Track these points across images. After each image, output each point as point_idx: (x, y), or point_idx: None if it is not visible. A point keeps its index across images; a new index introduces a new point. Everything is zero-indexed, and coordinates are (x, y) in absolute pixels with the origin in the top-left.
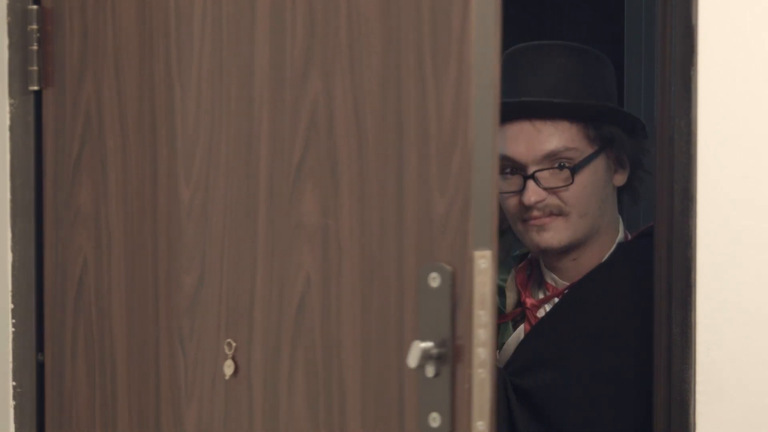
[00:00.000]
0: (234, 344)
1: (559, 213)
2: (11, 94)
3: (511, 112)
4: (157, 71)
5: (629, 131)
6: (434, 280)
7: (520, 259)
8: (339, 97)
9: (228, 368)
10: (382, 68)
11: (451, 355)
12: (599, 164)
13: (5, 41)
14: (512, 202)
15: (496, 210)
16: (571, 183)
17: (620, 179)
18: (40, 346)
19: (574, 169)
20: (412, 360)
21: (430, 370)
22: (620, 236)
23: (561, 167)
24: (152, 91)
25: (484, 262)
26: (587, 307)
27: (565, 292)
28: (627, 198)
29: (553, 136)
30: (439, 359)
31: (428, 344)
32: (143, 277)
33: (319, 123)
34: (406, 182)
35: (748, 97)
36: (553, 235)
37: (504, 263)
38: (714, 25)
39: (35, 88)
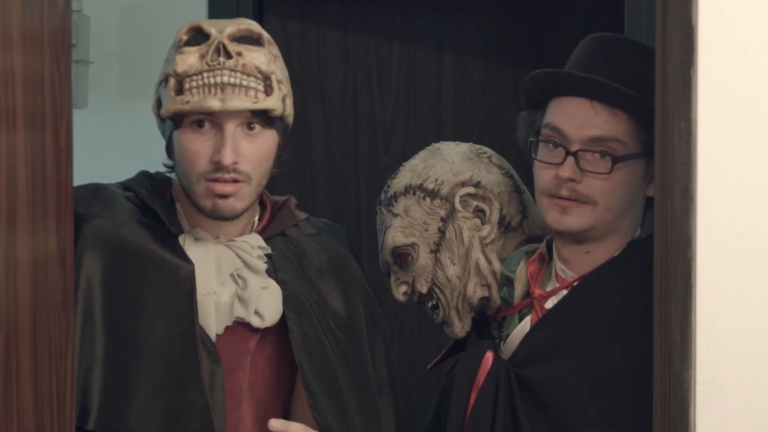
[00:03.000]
0: None
1: (587, 202)
2: None
3: (574, 87)
4: None
5: None
6: None
7: (533, 253)
8: None
9: None
10: None
11: None
12: (638, 167)
13: None
14: (547, 174)
15: None
16: (610, 172)
17: (653, 191)
18: None
19: (616, 161)
20: None
21: None
22: (636, 236)
23: (603, 154)
24: None
25: None
26: (595, 300)
27: (575, 284)
28: None
29: (608, 123)
30: None
31: None
32: None
33: None
34: None
35: (748, 97)
36: (575, 219)
37: (514, 255)
38: (714, 25)
39: None
